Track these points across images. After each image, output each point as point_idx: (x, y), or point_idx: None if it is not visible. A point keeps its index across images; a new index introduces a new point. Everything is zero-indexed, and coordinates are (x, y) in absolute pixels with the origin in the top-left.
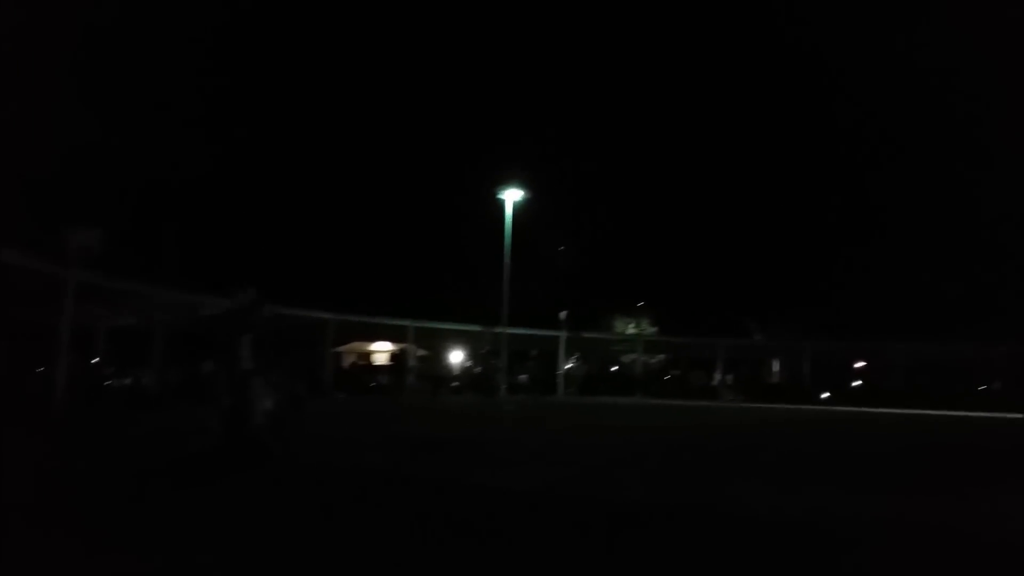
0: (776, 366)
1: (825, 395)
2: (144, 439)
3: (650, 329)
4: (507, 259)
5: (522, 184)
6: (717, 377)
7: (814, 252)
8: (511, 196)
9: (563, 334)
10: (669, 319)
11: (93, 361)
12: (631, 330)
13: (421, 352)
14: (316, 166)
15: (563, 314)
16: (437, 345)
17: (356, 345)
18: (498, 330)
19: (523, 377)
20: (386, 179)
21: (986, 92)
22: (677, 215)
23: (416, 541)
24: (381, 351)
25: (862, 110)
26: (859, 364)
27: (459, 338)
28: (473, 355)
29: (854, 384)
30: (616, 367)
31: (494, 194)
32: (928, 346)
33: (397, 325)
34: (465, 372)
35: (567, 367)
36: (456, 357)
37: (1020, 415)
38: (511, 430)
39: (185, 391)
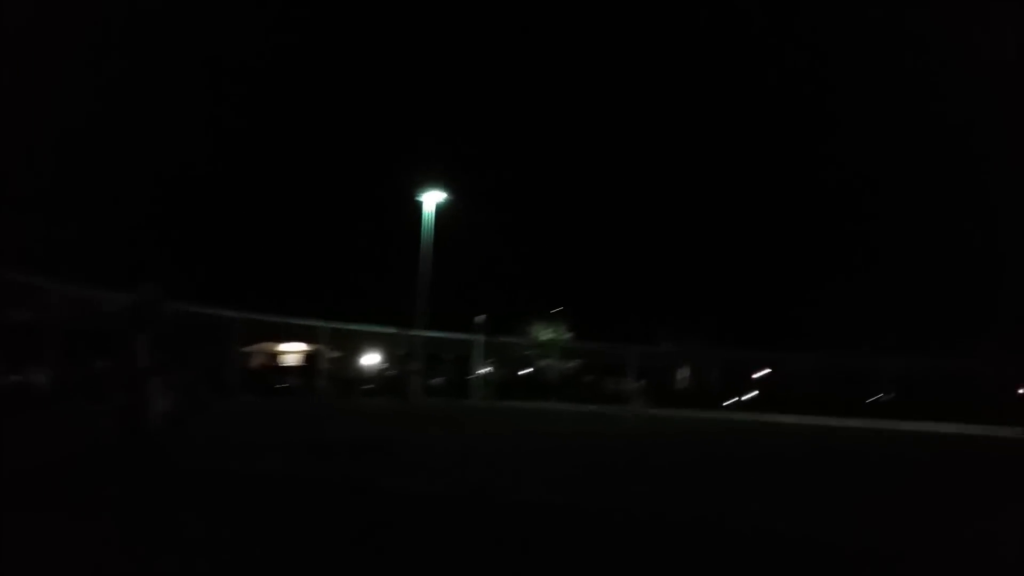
0: (685, 373)
1: (728, 402)
2: (23, 438)
3: (566, 335)
4: (425, 262)
5: (442, 187)
6: (628, 383)
7: (723, 263)
8: (431, 198)
9: (479, 338)
10: (584, 326)
11: None
12: (547, 336)
13: (334, 354)
14: (227, 160)
15: (480, 318)
16: (351, 347)
17: (265, 346)
18: (414, 333)
19: (438, 380)
20: (301, 177)
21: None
22: (593, 224)
23: (312, 548)
24: (292, 352)
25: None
26: (763, 372)
27: (374, 340)
28: (388, 358)
29: (755, 393)
30: (531, 371)
31: (414, 196)
32: (829, 356)
33: (309, 326)
34: (379, 375)
35: (482, 371)
36: (371, 360)
37: (908, 426)
38: (423, 433)
39: (79, 389)
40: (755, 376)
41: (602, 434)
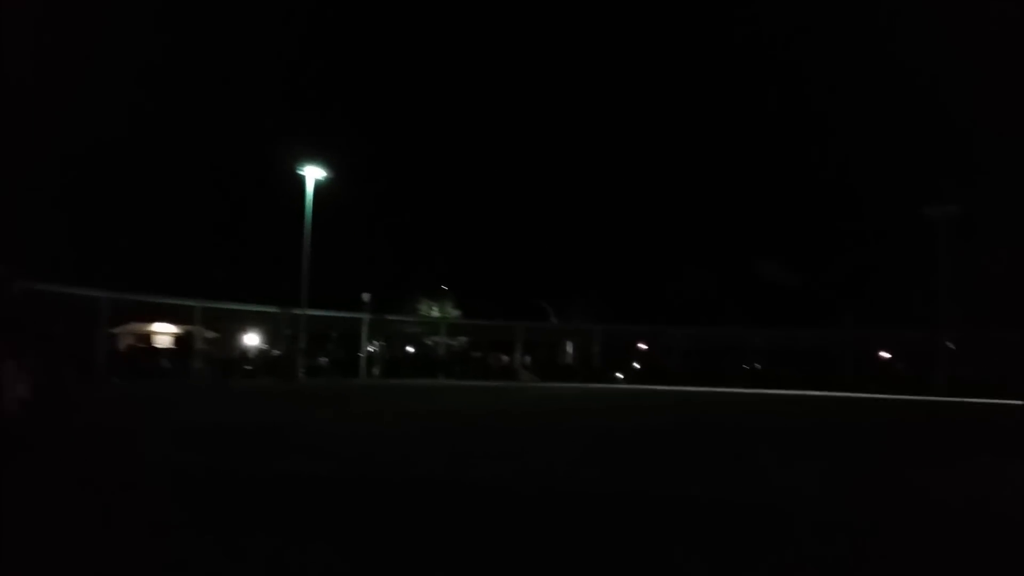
0: (570, 348)
1: (619, 375)
2: None
3: (453, 312)
4: (307, 239)
5: (324, 162)
6: (516, 358)
7: (606, 240)
8: (312, 173)
9: (366, 316)
10: (471, 303)
11: None
12: (435, 313)
13: (211, 334)
14: (96, 131)
15: (366, 296)
16: (229, 327)
17: (136, 327)
18: (297, 311)
19: (323, 360)
20: (176, 150)
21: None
22: (480, 201)
23: (185, 540)
24: (164, 333)
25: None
26: (642, 345)
27: (254, 320)
28: (269, 338)
29: (638, 365)
30: (419, 349)
31: (295, 170)
32: (702, 330)
33: (182, 305)
34: (260, 355)
35: (369, 349)
36: (252, 340)
37: (773, 391)
38: (308, 414)
39: None
40: (637, 348)
41: (493, 410)
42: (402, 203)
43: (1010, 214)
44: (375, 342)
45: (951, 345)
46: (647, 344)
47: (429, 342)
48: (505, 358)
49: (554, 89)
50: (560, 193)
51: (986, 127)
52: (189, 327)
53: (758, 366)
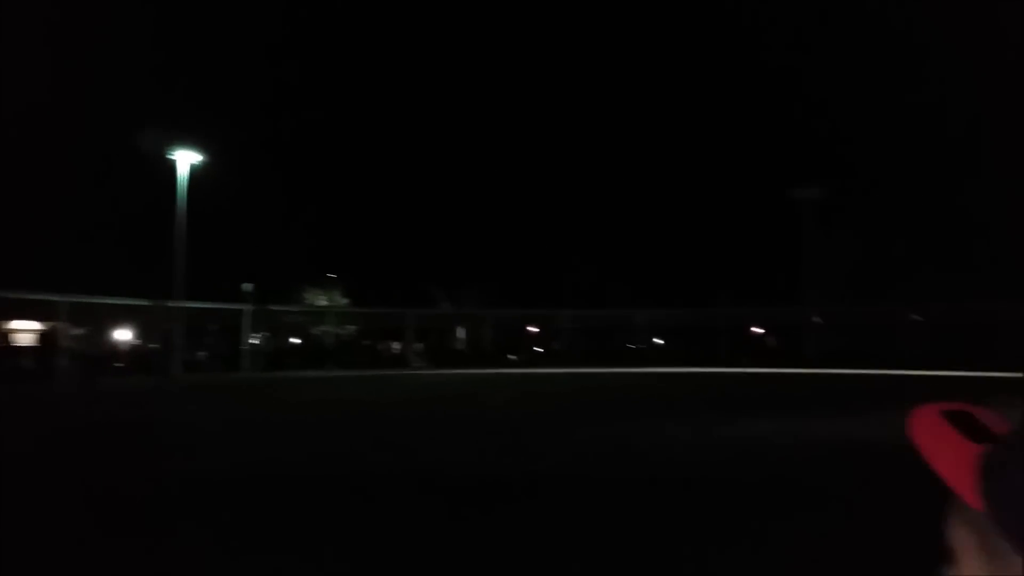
0: (461, 333)
1: (513, 358)
2: None
3: (341, 301)
4: (181, 226)
5: (199, 147)
6: (407, 346)
7: (496, 226)
8: (185, 158)
9: (248, 307)
10: (360, 290)
11: None
12: (322, 302)
13: (77, 331)
14: None
15: (248, 286)
16: (98, 322)
17: None
18: (171, 304)
19: (202, 354)
20: (44, 136)
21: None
22: (368, 187)
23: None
24: (25, 330)
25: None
26: (532, 329)
27: (125, 314)
28: (142, 332)
29: (531, 348)
30: (307, 339)
31: (166, 156)
32: (590, 312)
33: (45, 300)
34: (133, 351)
35: (253, 341)
36: (123, 335)
37: (657, 369)
38: (182, 411)
39: None
40: (528, 332)
41: (376, 401)
42: (287, 190)
43: (870, 197)
44: (258, 334)
45: (818, 320)
46: (538, 327)
47: (317, 332)
48: (396, 346)
49: (441, 70)
50: (448, 179)
51: (848, 112)
52: (53, 324)
53: (644, 346)
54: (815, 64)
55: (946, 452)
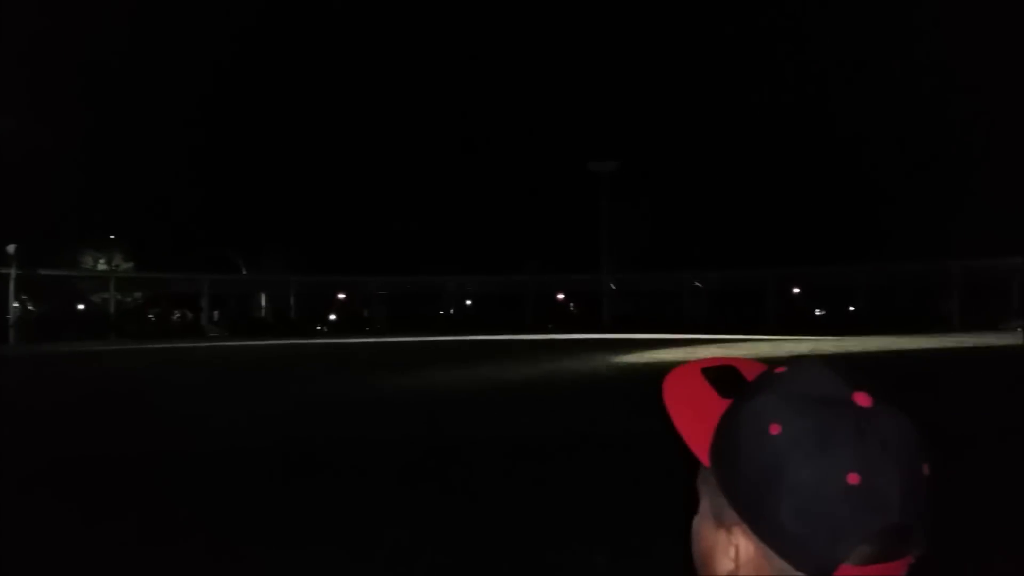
0: (263, 301)
1: (321, 328)
2: None
3: (125, 264)
4: None
5: None
6: (203, 315)
7: (300, 188)
8: None
9: (12, 271)
10: (148, 253)
11: None
12: (102, 266)
13: None
14: None
15: (11, 248)
16: None
17: None
18: None
19: None
20: None
21: None
22: (158, 142)
23: None
24: None
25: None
26: (341, 296)
27: None
28: None
29: (333, 317)
30: (87, 307)
31: None
32: (401, 279)
33: None
34: None
35: (17, 307)
36: None
37: (468, 336)
38: None
39: None
40: (337, 299)
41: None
42: (59, 140)
43: (661, 170)
44: (24, 301)
45: (613, 287)
46: (347, 295)
47: (97, 299)
48: (190, 314)
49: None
50: (248, 137)
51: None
52: None
53: (452, 311)
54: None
55: (690, 409)
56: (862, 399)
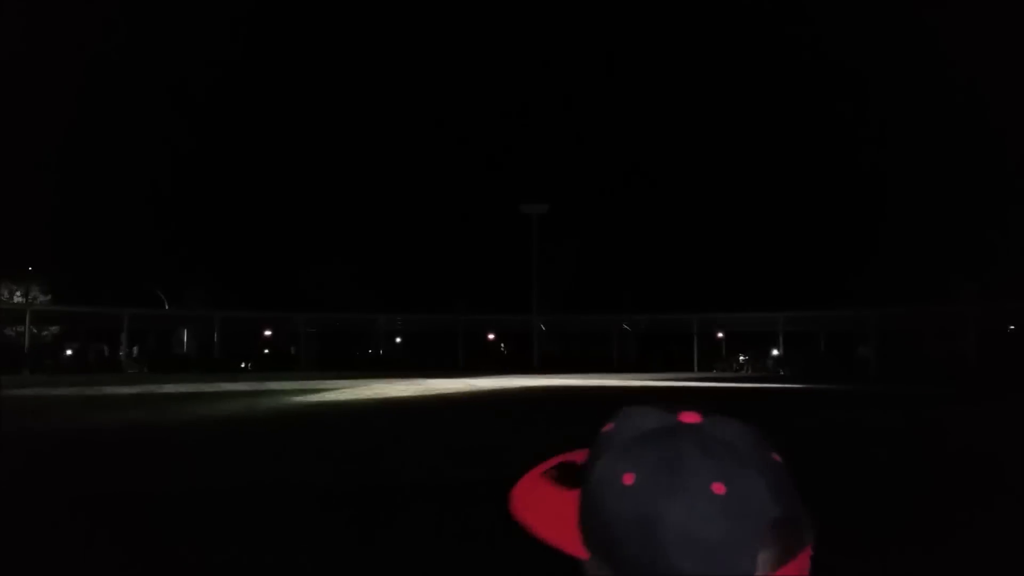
0: (185, 336)
1: (245, 366)
2: None
3: (42, 297)
4: None
5: None
6: (122, 350)
7: (228, 224)
8: None
9: None
10: (67, 287)
11: None
12: (17, 299)
13: None
14: None
15: None
16: None
17: None
18: None
19: None
20: None
21: None
22: (76, 169)
23: None
24: None
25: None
26: (267, 332)
27: None
28: None
29: (265, 351)
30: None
31: None
32: (329, 315)
33: None
34: None
35: None
36: None
37: (393, 378)
38: None
39: None
40: (264, 336)
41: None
42: None
43: (592, 213)
44: None
45: (543, 328)
46: (273, 332)
47: (11, 332)
48: (107, 350)
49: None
50: (173, 170)
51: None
52: None
53: (381, 351)
54: (550, 88)
55: (547, 512)
56: (690, 417)
